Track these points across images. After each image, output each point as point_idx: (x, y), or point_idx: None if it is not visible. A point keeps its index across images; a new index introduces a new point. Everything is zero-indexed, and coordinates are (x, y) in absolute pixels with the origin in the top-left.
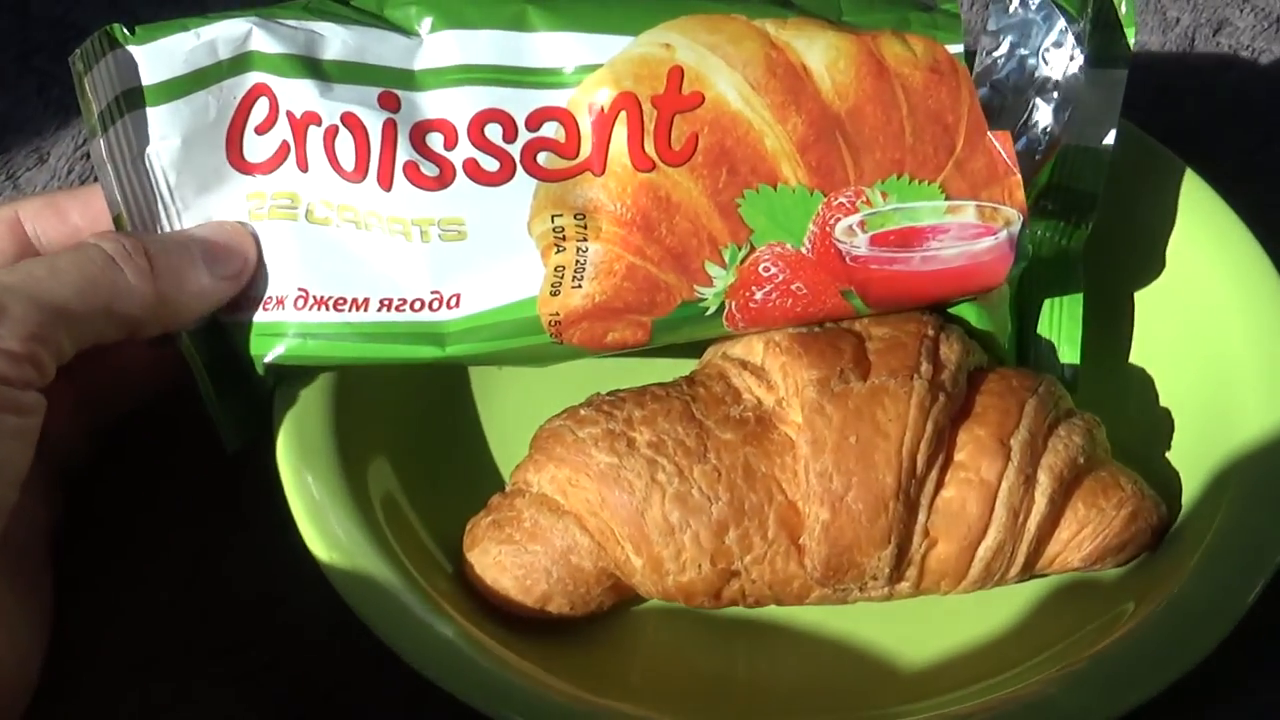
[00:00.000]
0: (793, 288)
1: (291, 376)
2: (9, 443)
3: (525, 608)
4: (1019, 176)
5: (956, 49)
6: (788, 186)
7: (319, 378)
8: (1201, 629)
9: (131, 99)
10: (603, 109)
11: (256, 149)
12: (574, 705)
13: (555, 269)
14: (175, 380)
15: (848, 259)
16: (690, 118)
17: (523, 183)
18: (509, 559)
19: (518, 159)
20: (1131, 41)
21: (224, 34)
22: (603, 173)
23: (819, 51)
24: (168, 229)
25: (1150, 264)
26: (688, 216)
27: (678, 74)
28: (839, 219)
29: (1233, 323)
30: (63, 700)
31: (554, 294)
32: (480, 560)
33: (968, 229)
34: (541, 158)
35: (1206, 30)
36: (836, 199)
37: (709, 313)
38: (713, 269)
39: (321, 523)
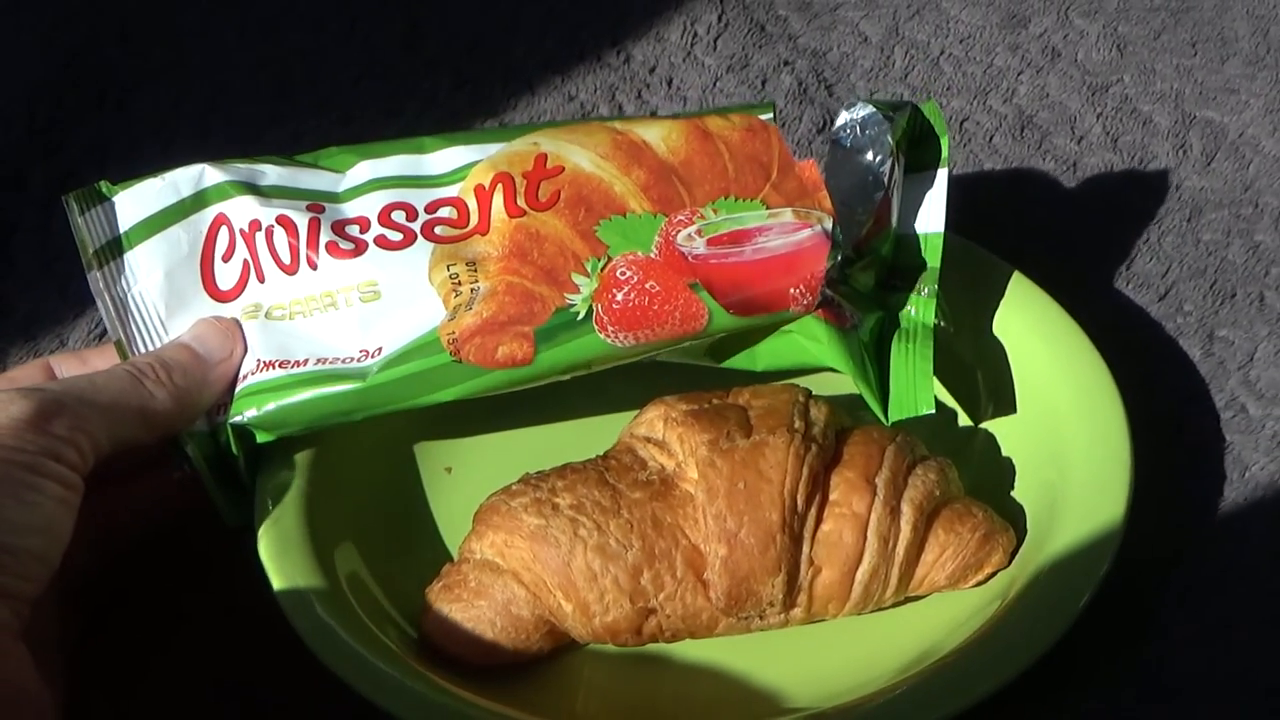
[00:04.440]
0: (647, 286)
1: (269, 472)
2: (57, 507)
3: (476, 656)
4: (825, 190)
5: (767, 116)
6: (635, 214)
7: (294, 476)
8: (1043, 629)
9: (118, 243)
10: (483, 185)
11: (225, 277)
12: None
13: (453, 308)
14: (177, 515)
15: (690, 258)
16: (553, 181)
17: (422, 246)
18: (459, 614)
19: (418, 231)
20: (945, 153)
21: (183, 175)
22: (487, 231)
23: (654, 132)
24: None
25: (991, 341)
26: (554, 243)
27: (542, 157)
28: (680, 230)
29: (1059, 385)
30: None
31: (451, 319)
32: (434, 620)
33: (788, 226)
34: (438, 229)
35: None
36: (676, 217)
37: (580, 318)
38: (578, 279)
39: (299, 605)
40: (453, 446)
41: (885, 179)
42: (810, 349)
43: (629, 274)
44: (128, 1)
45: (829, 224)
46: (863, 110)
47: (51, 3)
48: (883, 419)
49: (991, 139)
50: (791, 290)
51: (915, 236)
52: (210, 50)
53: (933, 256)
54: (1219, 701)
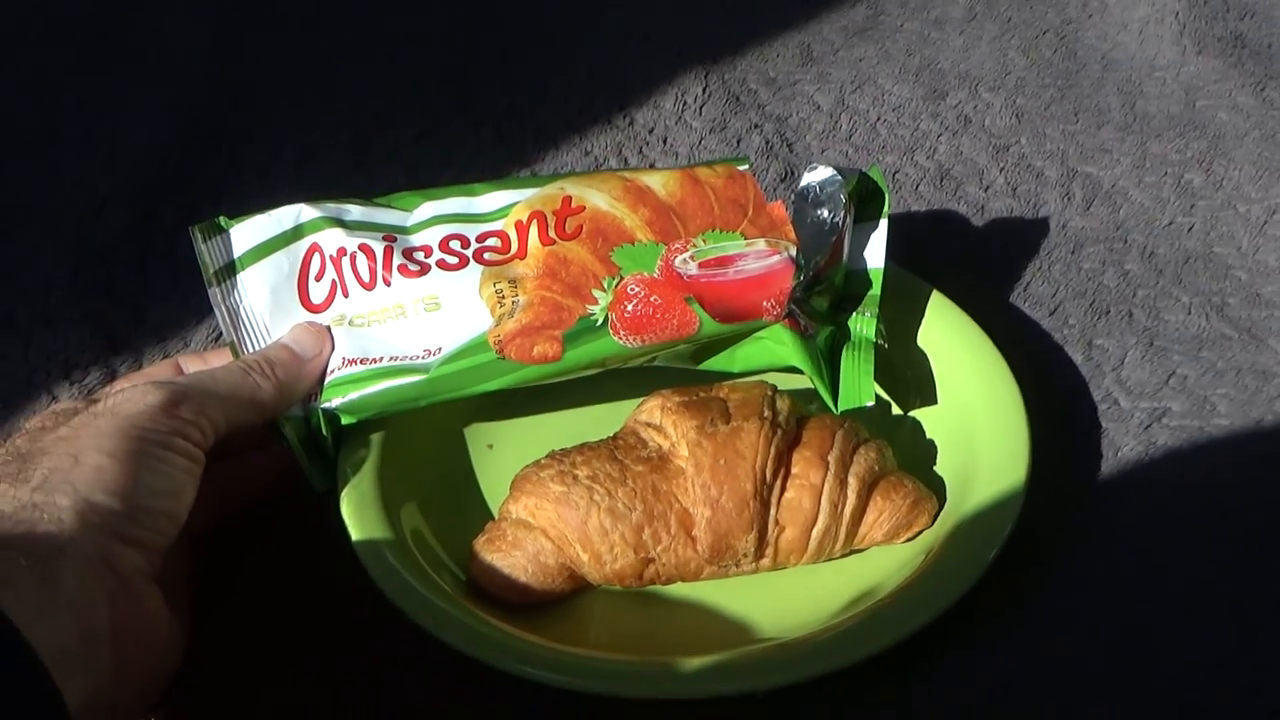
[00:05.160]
0: (651, 299)
1: (349, 448)
2: (184, 475)
3: (512, 595)
4: (790, 225)
5: (744, 167)
6: (642, 243)
7: (369, 451)
8: (961, 576)
9: (232, 266)
10: (521, 220)
11: (317, 292)
12: (553, 653)
13: (498, 316)
14: (278, 483)
15: (685, 278)
16: (577, 217)
17: (473, 268)
18: (499, 562)
19: (471, 256)
20: (887, 205)
21: (286, 212)
22: (525, 256)
23: (655, 179)
24: None
25: (918, 347)
26: (578, 265)
27: (568, 199)
28: (676, 255)
29: (971, 382)
30: (189, 682)
31: (496, 325)
32: (479, 566)
33: (761, 253)
34: (486, 255)
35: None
36: (674, 245)
37: (598, 324)
38: (597, 293)
39: (374, 552)
40: (494, 428)
41: (839, 226)
42: (778, 351)
43: (637, 290)
44: (240, 73)
45: (794, 251)
46: (823, 173)
47: (181, 74)
48: (833, 408)
49: (918, 187)
50: (764, 303)
51: (862, 270)
52: (303, 111)
53: (875, 287)
54: (1100, 637)
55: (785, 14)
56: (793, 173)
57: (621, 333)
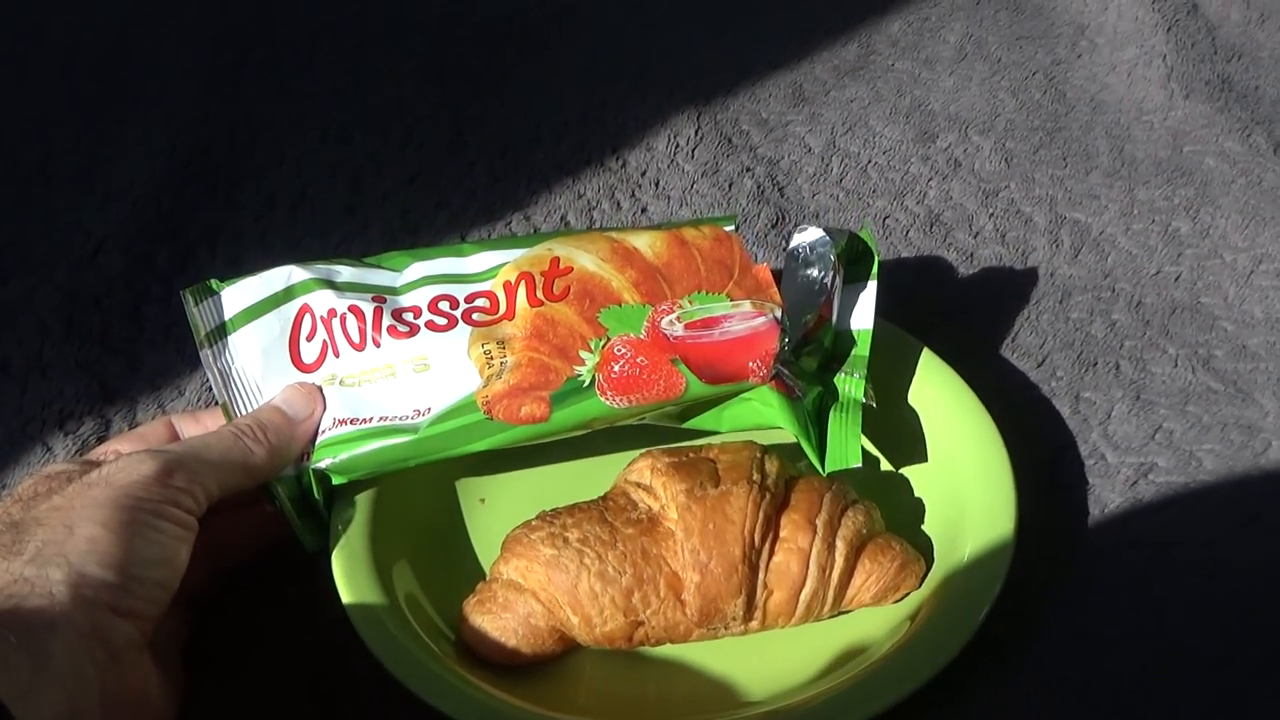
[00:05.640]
0: (638, 360)
1: (340, 507)
2: (177, 544)
3: (502, 657)
4: (776, 288)
5: (730, 228)
6: (629, 304)
7: (360, 510)
8: (951, 638)
9: (223, 328)
10: (510, 281)
11: (308, 352)
12: (543, 716)
13: (487, 377)
14: (271, 542)
15: (671, 339)
16: (565, 278)
17: (462, 329)
18: (489, 624)
19: (459, 317)
20: (877, 267)
21: (276, 274)
22: (513, 317)
23: (643, 240)
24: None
25: (905, 405)
26: (566, 327)
27: (555, 260)
28: (663, 317)
29: (957, 440)
30: None
31: (485, 386)
32: (469, 628)
33: (748, 314)
34: (475, 316)
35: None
36: (660, 306)
37: (585, 385)
38: (584, 354)
39: (364, 613)
40: (486, 482)
41: (828, 286)
42: (764, 412)
43: (624, 351)
44: (234, 114)
45: (779, 313)
46: (813, 234)
47: (175, 116)
48: (820, 470)
49: (907, 233)
50: (750, 364)
51: (850, 331)
52: (297, 154)
53: (863, 347)
54: (1087, 699)
55: (777, 53)
56: (784, 218)
57: (608, 394)
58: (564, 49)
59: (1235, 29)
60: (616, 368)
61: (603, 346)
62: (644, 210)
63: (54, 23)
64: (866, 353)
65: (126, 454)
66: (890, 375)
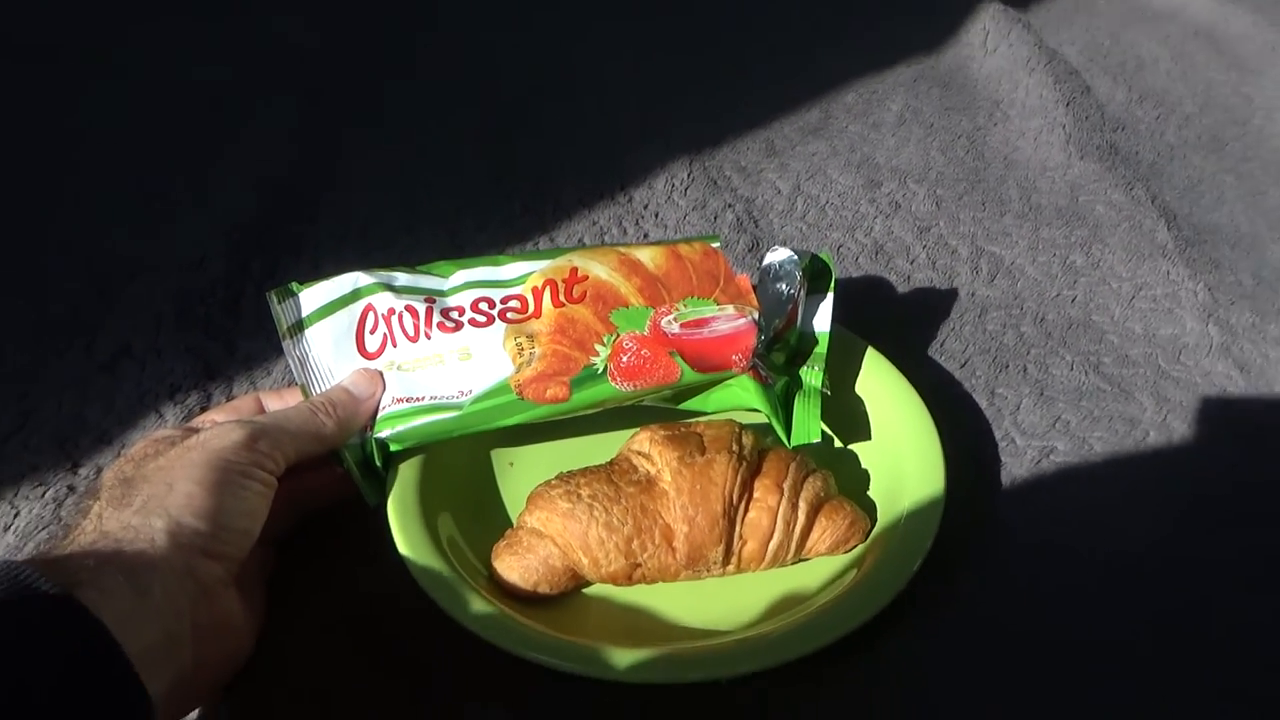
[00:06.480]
0: (642, 352)
1: (395, 468)
2: (259, 499)
3: (525, 591)
4: (753, 294)
5: (716, 245)
6: (634, 306)
7: (411, 469)
8: (890, 583)
9: (300, 323)
10: (537, 287)
11: (371, 343)
12: (556, 640)
13: (518, 365)
14: (339, 496)
15: (669, 336)
16: (582, 285)
17: (499, 325)
18: (515, 564)
19: (496, 315)
20: (834, 282)
21: (346, 279)
22: (540, 316)
23: (645, 254)
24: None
25: (854, 394)
26: (583, 324)
27: (574, 270)
28: (662, 317)
29: (898, 423)
30: (259, 661)
31: (516, 372)
32: (499, 566)
33: (732, 316)
34: (509, 315)
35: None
36: (660, 308)
37: (599, 371)
38: (599, 347)
39: (414, 552)
40: (514, 450)
41: (794, 296)
42: (743, 396)
43: (630, 345)
44: (316, 155)
45: (757, 315)
46: (782, 254)
47: (268, 155)
48: (787, 444)
49: (857, 259)
50: (733, 357)
51: (812, 333)
52: (366, 183)
53: (822, 346)
54: (1002, 631)
55: (754, 115)
56: (759, 244)
57: (618, 379)
58: (583, 107)
59: (1120, 106)
60: (625, 358)
61: (613, 341)
62: (646, 235)
63: (173, 81)
64: (825, 350)
65: (220, 422)
66: (844, 370)
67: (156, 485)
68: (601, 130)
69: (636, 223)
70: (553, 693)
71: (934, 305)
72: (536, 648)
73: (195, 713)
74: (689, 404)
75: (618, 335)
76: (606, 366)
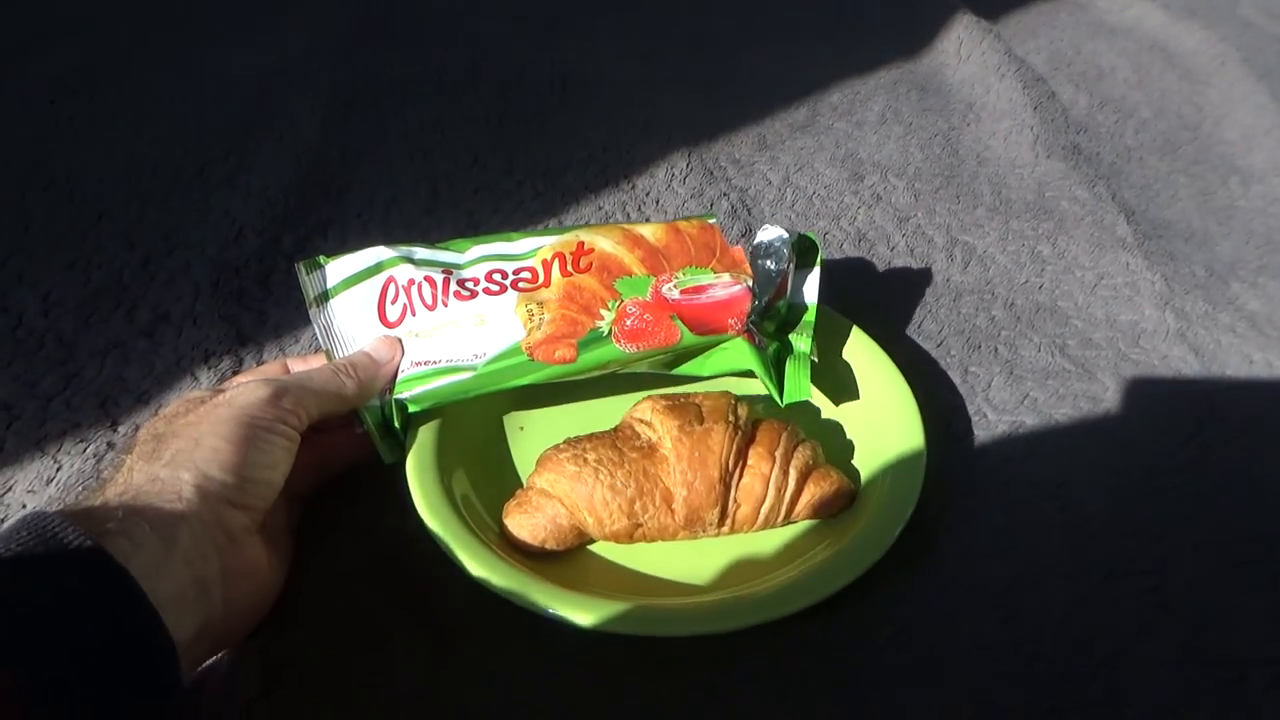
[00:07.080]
0: (644, 316)
1: (414, 430)
2: (282, 453)
3: (533, 547)
4: (747, 264)
5: (713, 221)
6: (637, 275)
7: (428, 431)
8: (874, 545)
9: (326, 294)
10: (547, 259)
11: (392, 313)
12: (562, 591)
13: (529, 329)
14: (360, 456)
15: (670, 301)
16: (588, 257)
17: (511, 294)
18: (524, 522)
19: (509, 285)
20: (820, 258)
21: (369, 253)
22: (549, 285)
23: (648, 229)
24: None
25: (841, 368)
26: (589, 291)
27: (581, 244)
28: (663, 284)
29: (880, 396)
30: (286, 605)
31: (527, 336)
32: (510, 524)
33: (728, 284)
34: (520, 284)
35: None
36: (661, 277)
37: (605, 334)
38: (604, 312)
39: (431, 508)
40: (525, 415)
41: (784, 270)
42: (738, 359)
43: (634, 310)
44: (344, 141)
45: (751, 283)
46: (773, 232)
47: (300, 139)
48: (779, 402)
49: (842, 246)
50: (729, 321)
51: (800, 304)
52: (391, 169)
53: (810, 315)
54: (976, 591)
55: (747, 112)
56: (751, 230)
57: (622, 341)
58: (591, 103)
59: (1083, 111)
60: (628, 322)
61: (618, 306)
62: (647, 219)
63: (212, 71)
64: (813, 319)
65: (246, 381)
66: (831, 348)
67: (185, 440)
68: (608, 123)
69: (639, 208)
70: (572, 641)
71: (912, 289)
72: (545, 597)
73: (224, 654)
74: (687, 367)
75: (622, 301)
76: (611, 329)
